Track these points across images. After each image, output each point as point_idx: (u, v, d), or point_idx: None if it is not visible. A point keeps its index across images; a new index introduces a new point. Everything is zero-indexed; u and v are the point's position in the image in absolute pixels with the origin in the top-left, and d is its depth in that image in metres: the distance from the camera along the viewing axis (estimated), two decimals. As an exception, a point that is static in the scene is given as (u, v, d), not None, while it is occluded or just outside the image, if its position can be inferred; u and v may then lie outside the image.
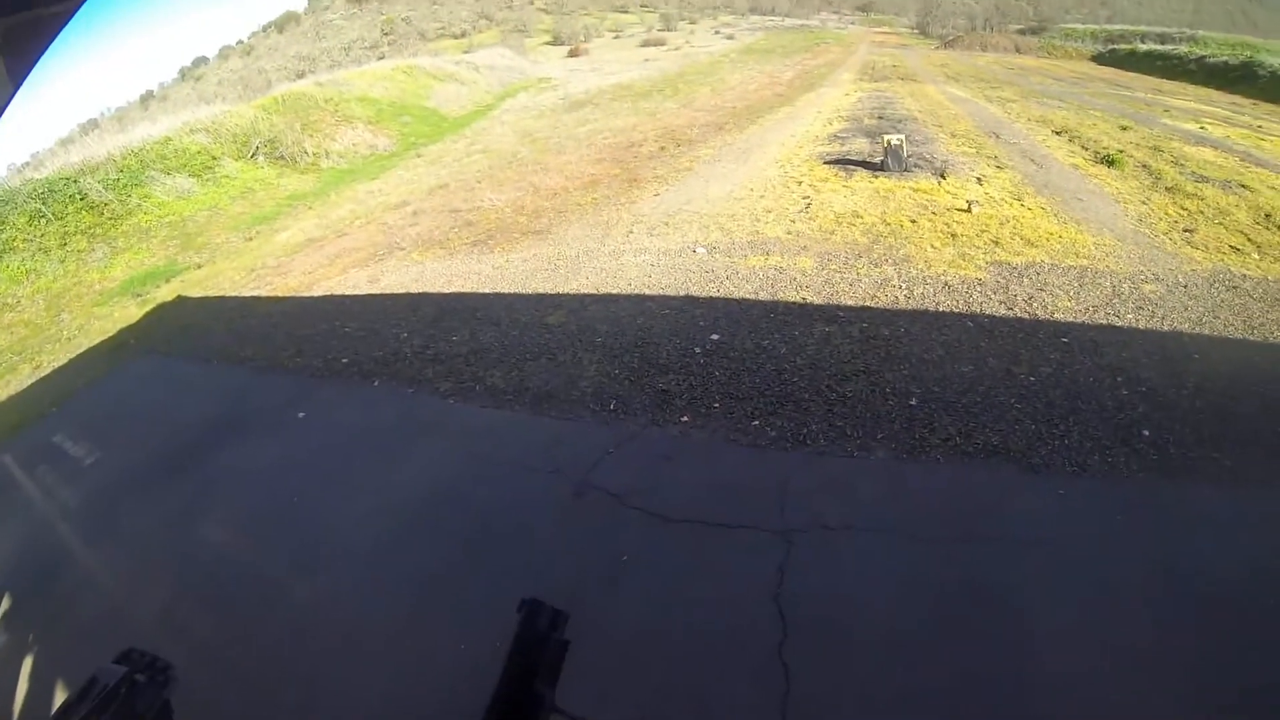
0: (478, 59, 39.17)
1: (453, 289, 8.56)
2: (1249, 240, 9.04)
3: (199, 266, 12.12)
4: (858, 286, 7.31)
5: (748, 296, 7.28)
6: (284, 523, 4.90)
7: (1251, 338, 6.43)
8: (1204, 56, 42.88)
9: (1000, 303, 6.87)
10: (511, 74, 37.90)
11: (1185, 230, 9.32)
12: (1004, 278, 7.47)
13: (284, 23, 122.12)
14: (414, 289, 8.78)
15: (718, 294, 7.42)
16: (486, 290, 8.34)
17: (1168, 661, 3.27)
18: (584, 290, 7.90)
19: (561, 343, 6.68)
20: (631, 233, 9.69)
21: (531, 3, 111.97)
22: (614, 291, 7.77)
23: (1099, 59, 52.13)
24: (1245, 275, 7.89)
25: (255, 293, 10.01)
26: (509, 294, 8.14)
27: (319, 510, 4.95)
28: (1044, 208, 9.99)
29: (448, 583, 4.09)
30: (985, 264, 7.87)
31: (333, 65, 70.67)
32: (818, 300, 7.04)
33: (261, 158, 18.43)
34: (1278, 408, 5.24)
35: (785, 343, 6.21)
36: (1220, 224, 9.63)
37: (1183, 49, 47.68)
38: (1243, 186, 11.62)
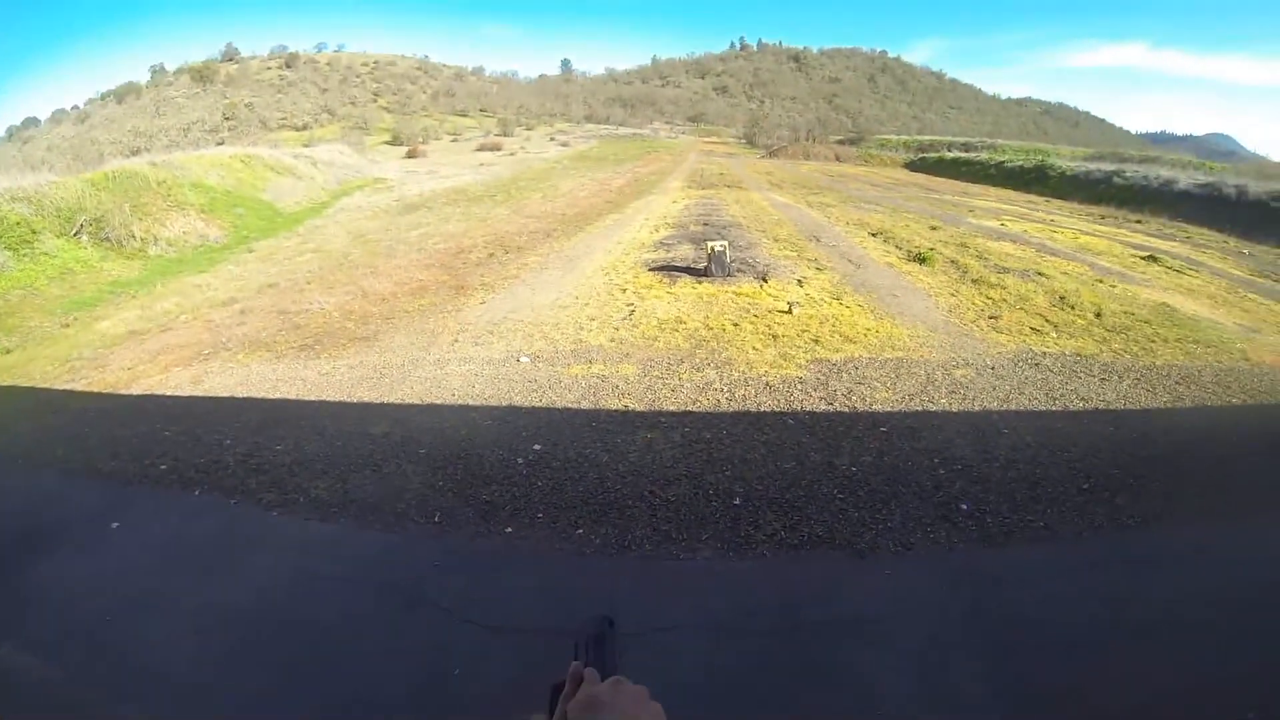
0: (317, 153, 39.36)
1: (278, 395, 8.39)
2: (1047, 321, 10.45)
3: (8, 351, 11.12)
4: (680, 392, 7.70)
5: (570, 405, 7.50)
6: (94, 646, 4.37)
7: (1054, 408, 7.41)
8: (1003, 161, 49.45)
9: (821, 399, 7.49)
10: (349, 172, 38.41)
11: (991, 317, 10.57)
12: (824, 374, 8.19)
13: (124, 93, 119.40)
14: (239, 393, 8.55)
15: (540, 403, 7.61)
16: (312, 398, 8.24)
17: (1005, 714, 3.59)
18: (409, 400, 7.95)
19: (386, 454, 6.60)
20: (457, 341, 9.86)
21: (375, 100, 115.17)
22: (438, 402, 7.85)
23: (911, 165, 58.77)
24: (1045, 352, 9.12)
25: (69, 386, 9.27)
26: (334, 402, 8.06)
27: (134, 631, 4.47)
28: (862, 305, 11.10)
29: (274, 706, 3.81)
30: (806, 362, 8.58)
31: (170, 145, 68.89)
32: (640, 407, 7.34)
33: (86, 237, 17.47)
34: (1080, 467, 6.07)
35: (607, 451, 6.40)
36: (1021, 309, 11.07)
37: (984, 155, 54.86)
38: (1040, 274, 13.38)
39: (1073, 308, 11.15)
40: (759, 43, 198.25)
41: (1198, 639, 4.03)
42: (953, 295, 11.90)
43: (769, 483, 5.77)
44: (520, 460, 6.33)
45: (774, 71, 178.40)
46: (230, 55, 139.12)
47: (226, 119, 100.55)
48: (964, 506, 5.41)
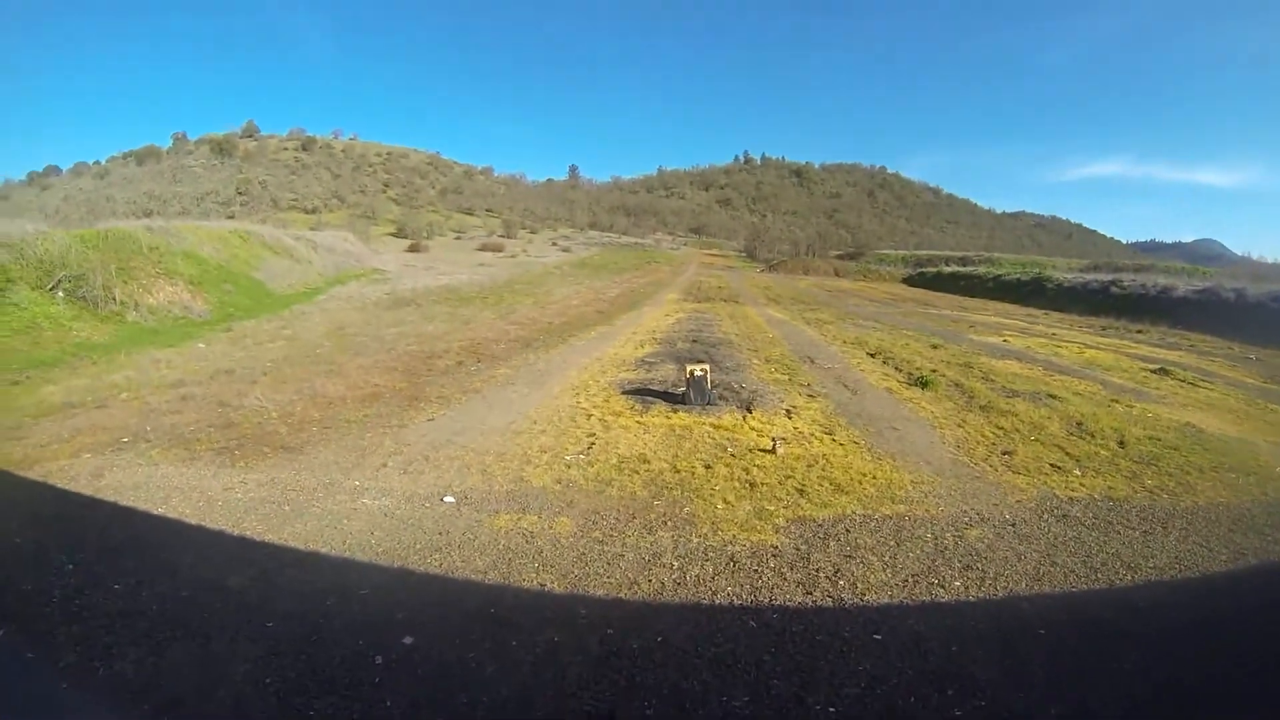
0: (319, 238, 39.99)
1: (163, 509, 6.96)
2: (1067, 454, 9.03)
3: (-66, 404, 10.25)
4: (618, 565, 5.84)
5: (474, 577, 5.66)
6: None
7: (1095, 584, 5.73)
8: (1000, 275, 49.16)
9: (797, 584, 5.59)
10: (349, 260, 38.79)
11: (1004, 453, 9.12)
12: (806, 542, 6.37)
13: (144, 156, 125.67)
14: (126, 499, 7.18)
15: (438, 569, 5.79)
16: (194, 521, 6.70)
17: None
18: (292, 542, 6.25)
19: (228, 620, 4.88)
20: (385, 466, 8.30)
21: (384, 191, 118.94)
22: (323, 550, 6.10)
23: (909, 280, 58.75)
24: (1072, 499, 7.60)
25: (-31, 458, 8.24)
26: (213, 531, 6.49)
27: None
28: (857, 441, 9.48)
29: None
30: (785, 522, 6.81)
31: (182, 212, 72.49)
32: (559, 588, 5.48)
33: (61, 294, 16.84)
34: (1143, 691, 4.26)
35: (495, 658, 4.51)
36: (1037, 440, 9.66)
37: (981, 269, 54.82)
38: (1051, 396, 12.20)
39: (1093, 435, 9.74)
40: (762, 157, 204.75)
41: None
42: (959, 426, 10.29)
43: (707, 734, 3.90)
44: (380, 659, 4.48)
45: (776, 185, 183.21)
46: (250, 132, 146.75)
47: (240, 194, 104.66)
48: (988, 779, 3.57)
